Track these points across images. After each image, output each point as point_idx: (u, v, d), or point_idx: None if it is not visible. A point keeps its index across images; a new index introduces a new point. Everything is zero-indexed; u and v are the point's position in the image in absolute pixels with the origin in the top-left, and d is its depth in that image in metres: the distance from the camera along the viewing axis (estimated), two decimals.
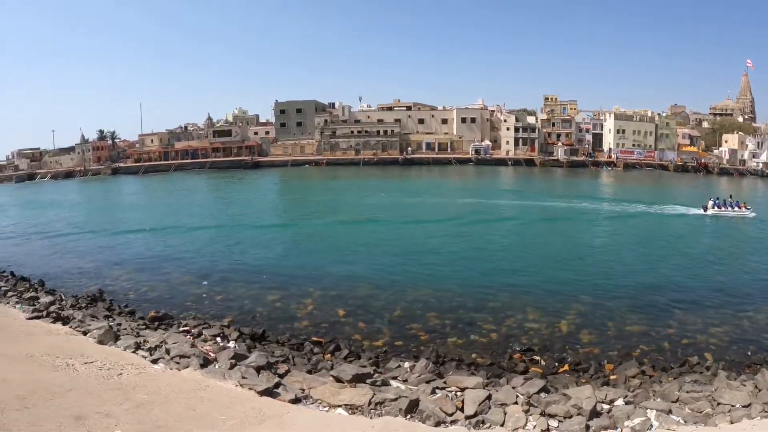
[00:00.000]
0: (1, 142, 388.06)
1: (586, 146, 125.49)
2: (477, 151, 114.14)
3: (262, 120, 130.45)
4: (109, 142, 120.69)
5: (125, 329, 16.10)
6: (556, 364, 15.39)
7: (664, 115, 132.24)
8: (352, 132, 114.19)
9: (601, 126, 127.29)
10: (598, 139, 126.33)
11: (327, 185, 79.09)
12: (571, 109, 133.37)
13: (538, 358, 15.79)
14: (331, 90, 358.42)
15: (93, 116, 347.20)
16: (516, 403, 10.69)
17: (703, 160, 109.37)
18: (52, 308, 18.26)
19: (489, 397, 10.78)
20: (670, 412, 10.47)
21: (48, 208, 60.52)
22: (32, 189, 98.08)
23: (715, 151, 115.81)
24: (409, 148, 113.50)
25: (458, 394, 11.45)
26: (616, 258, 29.95)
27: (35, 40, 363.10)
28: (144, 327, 17.47)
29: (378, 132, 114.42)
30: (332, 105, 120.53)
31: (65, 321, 16.59)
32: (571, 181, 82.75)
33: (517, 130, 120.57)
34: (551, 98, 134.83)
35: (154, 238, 37.43)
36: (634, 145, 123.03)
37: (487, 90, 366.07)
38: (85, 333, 14.72)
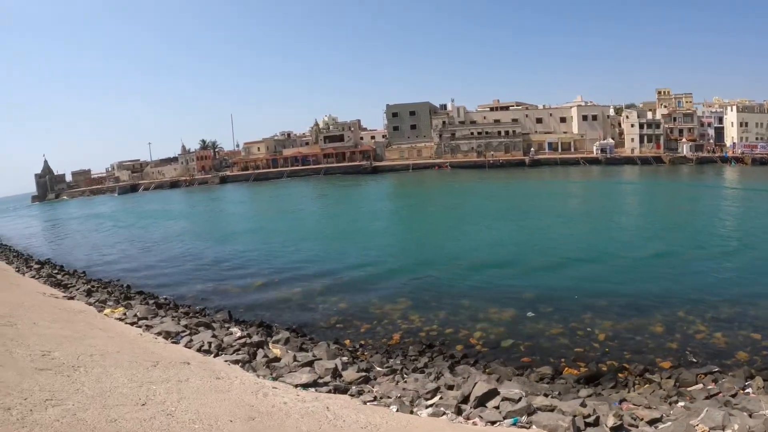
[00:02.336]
0: (99, 155, 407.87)
1: (710, 141, 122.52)
2: (603, 150, 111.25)
3: (363, 125, 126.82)
4: (211, 151, 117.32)
5: None
6: None
7: None
8: (472, 133, 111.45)
9: (720, 119, 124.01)
10: (719, 133, 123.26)
11: (486, 191, 76.75)
12: (686, 102, 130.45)
13: None
14: (412, 94, 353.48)
15: (185, 128, 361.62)
16: None
17: None
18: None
19: None
20: None
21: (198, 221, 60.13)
22: (143, 199, 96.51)
23: None
24: (532, 149, 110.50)
25: None
26: None
27: (133, 60, 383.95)
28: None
29: (499, 133, 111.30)
30: (444, 106, 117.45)
31: None
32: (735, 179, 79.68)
33: (641, 126, 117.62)
34: (664, 92, 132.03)
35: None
36: (757, 138, 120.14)
37: (579, 86, 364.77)
38: None
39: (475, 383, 11.33)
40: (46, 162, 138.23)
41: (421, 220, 51.25)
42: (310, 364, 13.39)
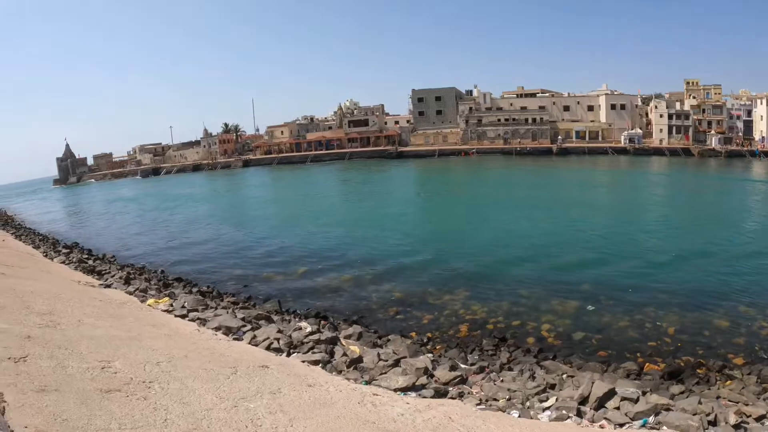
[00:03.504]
0: (120, 139, 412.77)
1: (739, 134, 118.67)
2: (631, 140, 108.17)
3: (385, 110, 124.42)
4: (234, 135, 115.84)
5: None
6: None
7: None
8: (499, 120, 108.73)
9: (749, 112, 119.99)
10: (747, 126, 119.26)
11: (517, 179, 73.21)
12: (715, 93, 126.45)
13: None
14: (432, 80, 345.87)
15: (206, 113, 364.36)
16: None
17: None
18: None
19: None
20: None
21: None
22: (167, 183, 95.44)
23: None
24: (560, 138, 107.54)
25: None
26: None
27: (154, 45, 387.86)
28: None
29: (526, 120, 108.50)
30: (469, 92, 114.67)
31: None
32: None
33: (670, 117, 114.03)
34: (693, 82, 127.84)
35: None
36: None
37: (604, 75, 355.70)
38: None
39: (593, 383, 10.69)
40: (67, 146, 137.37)
41: (457, 207, 49.06)
42: (396, 363, 12.09)
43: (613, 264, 25.26)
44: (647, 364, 14.02)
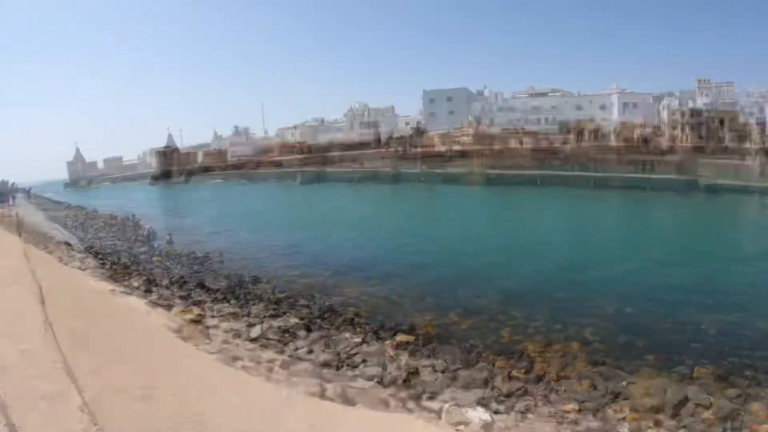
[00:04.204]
0: (130, 142, 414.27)
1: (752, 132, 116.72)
2: (644, 140, 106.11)
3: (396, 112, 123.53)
4: (244, 137, 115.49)
5: None
6: None
7: None
8: (511, 121, 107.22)
9: (762, 109, 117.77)
10: (760, 124, 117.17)
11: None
12: (727, 91, 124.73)
13: None
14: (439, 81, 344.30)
15: (215, 116, 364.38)
16: None
17: None
18: None
19: None
20: None
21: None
22: (178, 186, 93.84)
23: None
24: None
25: None
26: None
27: (162, 51, 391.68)
28: None
29: (538, 120, 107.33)
30: (480, 92, 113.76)
31: None
32: None
33: (683, 115, 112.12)
34: (704, 80, 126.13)
35: None
36: None
37: (613, 74, 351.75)
38: None
39: (666, 390, 10.83)
40: (78, 149, 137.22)
41: (477, 211, 48.02)
42: (454, 376, 11.65)
43: (644, 267, 24.96)
44: (697, 367, 13.65)
